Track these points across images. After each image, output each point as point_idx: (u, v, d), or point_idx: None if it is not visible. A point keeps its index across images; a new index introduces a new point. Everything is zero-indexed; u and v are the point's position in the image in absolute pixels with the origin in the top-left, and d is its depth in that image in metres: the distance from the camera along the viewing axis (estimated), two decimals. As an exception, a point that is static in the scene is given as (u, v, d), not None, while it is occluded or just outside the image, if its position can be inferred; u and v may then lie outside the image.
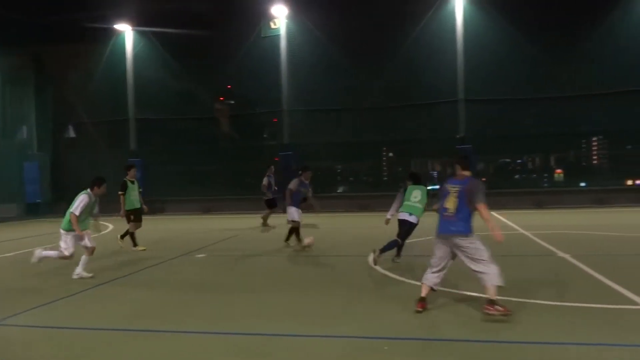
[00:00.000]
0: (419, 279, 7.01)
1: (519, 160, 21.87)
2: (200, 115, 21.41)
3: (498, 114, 19.09)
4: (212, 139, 22.19)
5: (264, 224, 14.38)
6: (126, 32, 21.51)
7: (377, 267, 8.02)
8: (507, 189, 18.84)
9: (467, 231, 5.27)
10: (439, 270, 5.50)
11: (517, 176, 21.31)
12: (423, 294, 5.55)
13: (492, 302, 5.09)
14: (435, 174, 21.32)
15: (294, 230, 10.05)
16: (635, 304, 5.58)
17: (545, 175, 21.15)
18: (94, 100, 21.53)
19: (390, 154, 21.69)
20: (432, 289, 5.56)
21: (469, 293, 6.26)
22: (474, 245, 5.24)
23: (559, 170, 20.90)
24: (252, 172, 21.30)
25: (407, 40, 18.74)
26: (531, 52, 17.89)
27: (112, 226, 14.00)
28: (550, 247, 9.29)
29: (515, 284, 6.80)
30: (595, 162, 20.70)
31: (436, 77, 18.91)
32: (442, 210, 5.46)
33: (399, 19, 18.77)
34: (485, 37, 18.20)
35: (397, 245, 8.21)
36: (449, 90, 19.00)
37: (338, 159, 20.54)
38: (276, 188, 14.53)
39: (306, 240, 9.73)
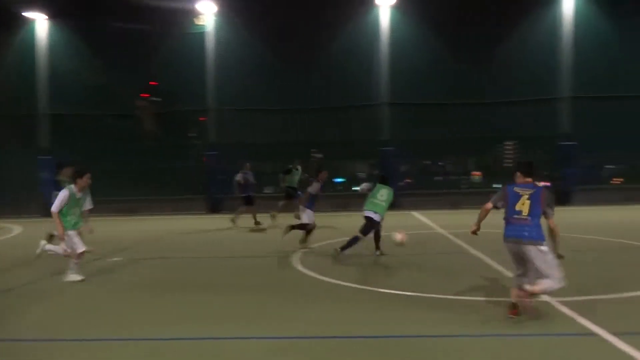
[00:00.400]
0: (339, 277, 7.18)
1: (439, 163, 22.82)
2: (122, 111, 20.49)
3: (420, 118, 19.81)
4: (135, 137, 21.30)
5: (258, 224, 13.78)
6: (39, 20, 20.16)
7: (299, 267, 8.08)
8: (428, 190, 19.60)
9: (542, 238, 5.09)
10: (524, 273, 5.28)
11: (437, 178, 22.24)
12: (513, 299, 5.22)
13: (531, 295, 5.03)
14: (363, 175, 21.72)
15: (299, 227, 9.73)
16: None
17: (464, 177, 22.24)
18: (1, 93, 19.96)
19: (317, 155, 21.86)
20: (523, 290, 5.16)
21: (387, 290, 6.46)
22: (546, 256, 5.05)
23: (476, 173, 22.06)
24: (192, 171, 20.59)
25: (335, 43, 18.99)
26: (452, 59, 18.73)
27: (20, 228, 13.10)
28: (464, 245, 9.77)
29: (428, 280, 7.12)
30: (509, 165, 22.02)
31: (363, 80, 19.32)
32: (512, 214, 5.24)
33: (328, 22, 18.98)
34: (410, 42, 18.81)
35: (357, 241, 8.48)
36: (375, 94, 19.46)
37: (265, 160, 20.40)
38: (255, 182, 14.12)
39: (398, 237, 8.13)
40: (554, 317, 5.24)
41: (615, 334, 4.58)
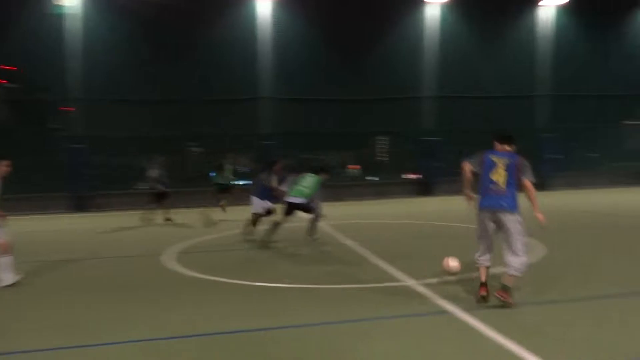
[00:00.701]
0: (217, 274, 7.05)
1: (320, 157, 23.39)
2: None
3: (302, 113, 20.16)
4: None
5: (147, 219, 12.96)
6: None
7: (176, 265, 7.80)
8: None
9: (516, 208, 5.15)
10: (488, 250, 5.37)
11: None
12: (483, 279, 5.32)
13: (506, 289, 5.10)
14: (247, 169, 21.37)
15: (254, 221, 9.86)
16: (397, 280, 6.45)
17: (342, 170, 23.09)
18: None
19: (196, 149, 21.23)
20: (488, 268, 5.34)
21: (261, 284, 6.48)
22: (520, 226, 5.16)
23: (353, 166, 23.05)
24: (55, 166, 18.65)
25: (213, 34, 18.52)
26: (331, 57, 19.34)
27: None
28: (338, 236, 10.13)
29: (302, 271, 7.28)
30: (382, 158, 23.33)
31: (246, 74, 19.10)
32: (487, 183, 5.24)
33: (206, 11, 18.46)
34: (289, 38, 19.03)
35: (317, 221, 9.20)
36: (258, 87, 19.39)
37: (138, 154, 19.26)
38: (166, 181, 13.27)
39: (452, 264, 6.07)
40: (413, 298, 5.65)
41: (466, 310, 5.07)
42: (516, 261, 5.14)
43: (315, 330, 4.76)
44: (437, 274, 6.54)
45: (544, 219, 5.19)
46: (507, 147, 5.40)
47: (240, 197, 13.05)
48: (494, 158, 5.29)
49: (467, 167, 5.42)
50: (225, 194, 13.16)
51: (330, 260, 8.01)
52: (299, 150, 21.14)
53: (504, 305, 5.09)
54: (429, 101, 20.47)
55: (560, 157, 20.30)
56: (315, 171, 9.29)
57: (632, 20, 22.18)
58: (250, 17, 19.24)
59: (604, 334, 4.46)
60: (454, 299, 5.43)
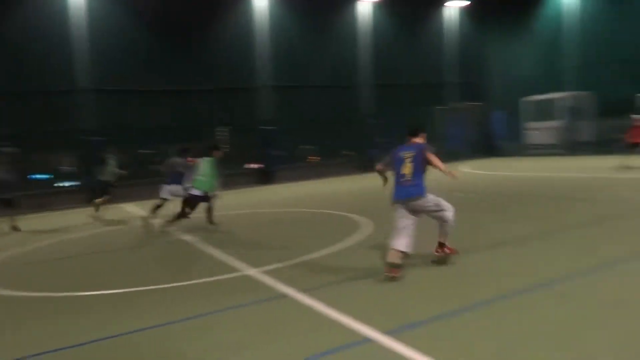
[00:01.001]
0: (37, 289, 6.38)
1: (156, 151, 22.27)
2: None
3: (132, 106, 18.96)
4: None
5: (15, 227, 11.15)
6: None
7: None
8: (143, 180, 18.84)
9: (423, 192, 5.65)
10: (408, 234, 5.61)
11: (153, 166, 21.68)
12: (392, 260, 5.49)
13: (442, 245, 5.80)
14: (70, 169, 19.39)
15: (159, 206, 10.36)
16: (238, 270, 6.56)
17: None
18: None
19: (8, 149, 18.58)
20: (405, 254, 5.55)
21: (96, 292, 6.08)
22: (432, 201, 5.70)
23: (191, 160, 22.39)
24: None
25: (19, 19, 16.42)
26: (161, 47, 18.51)
27: None
28: (178, 231, 9.81)
29: (149, 272, 7.00)
30: (224, 149, 23.11)
31: (60, 65, 17.24)
32: (398, 178, 5.73)
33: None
34: (111, 27, 17.77)
35: (182, 217, 9.18)
36: (76, 79, 17.69)
37: None
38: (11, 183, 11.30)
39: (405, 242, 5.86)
40: (254, 286, 5.81)
41: (304, 291, 5.37)
42: (448, 215, 5.76)
43: (160, 332, 4.63)
44: (276, 259, 6.80)
45: (455, 174, 5.78)
46: (416, 140, 5.95)
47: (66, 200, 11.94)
48: (402, 154, 5.84)
49: (378, 167, 6.28)
50: (110, 190, 12.12)
51: (171, 258, 7.80)
52: (131, 145, 19.95)
53: (452, 253, 5.91)
54: (266, 91, 20.83)
55: (387, 140, 22.17)
56: (207, 153, 9.34)
57: (439, 15, 25.05)
58: (63, 5, 17.46)
59: (425, 296, 5.11)
60: (291, 283, 5.69)
